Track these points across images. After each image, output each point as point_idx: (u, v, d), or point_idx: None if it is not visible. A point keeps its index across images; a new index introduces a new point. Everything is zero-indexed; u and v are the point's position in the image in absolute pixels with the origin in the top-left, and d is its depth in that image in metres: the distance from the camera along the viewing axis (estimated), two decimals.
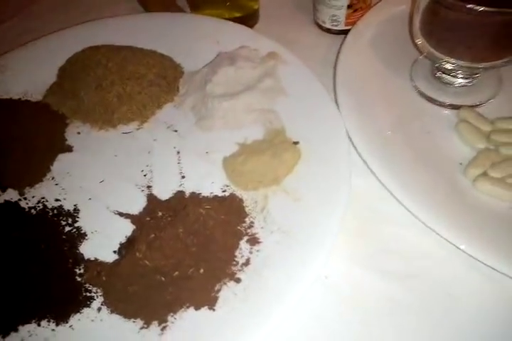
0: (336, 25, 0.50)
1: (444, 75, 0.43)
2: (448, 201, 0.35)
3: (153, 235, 0.34)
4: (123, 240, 0.37)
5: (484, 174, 0.36)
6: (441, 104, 0.42)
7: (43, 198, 0.40)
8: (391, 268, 0.33)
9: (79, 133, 0.45)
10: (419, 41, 0.41)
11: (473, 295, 0.31)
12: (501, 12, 0.32)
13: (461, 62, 0.39)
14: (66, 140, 0.44)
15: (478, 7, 0.32)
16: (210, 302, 0.32)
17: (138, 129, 0.45)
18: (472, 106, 0.41)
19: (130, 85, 0.46)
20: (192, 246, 0.34)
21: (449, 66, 0.40)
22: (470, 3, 0.32)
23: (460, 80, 0.42)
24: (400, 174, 0.36)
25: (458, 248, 0.32)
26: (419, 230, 0.34)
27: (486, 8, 0.32)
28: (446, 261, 0.33)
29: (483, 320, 0.30)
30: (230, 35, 0.49)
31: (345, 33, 0.48)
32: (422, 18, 0.39)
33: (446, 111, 0.41)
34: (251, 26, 0.53)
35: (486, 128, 0.38)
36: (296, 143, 0.40)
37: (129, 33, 0.51)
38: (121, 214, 0.38)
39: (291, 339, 0.31)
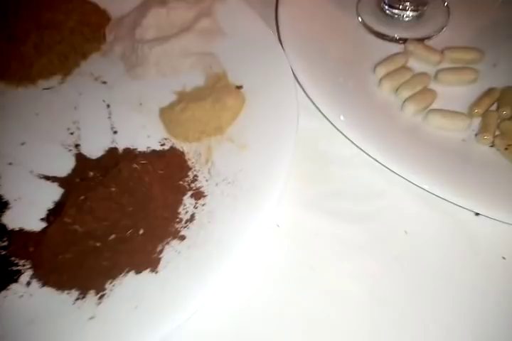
0: None
1: (391, 9, 0.40)
2: (399, 138, 0.32)
3: (82, 197, 0.30)
4: (51, 206, 0.32)
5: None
6: (391, 39, 0.39)
7: None
8: (344, 210, 0.31)
9: None
10: None
11: (429, 232, 0.30)
12: None
13: None
14: None
15: None
16: (152, 264, 0.28)
17: (61, 83, 0.40)
18: (420, 39, 0.38)
19: (48, 34, 0.40)
20: (128, 206, 0.30)
21: None
22: None
23: (408, 12, 0.40)
24: (351, 114, 0.33)
25: (409, 181, 0.30)
26: (370, 170, 0.32)
27: None
28: (399, 199, 0.31)
29: (441, 256, 0.29)
30: None
31: None
32: None
33: (396, 46, 0.39)
34: None
35: (436, 59, 0.36)
36: (239, 87, 0.36)
37: None
38: (47, 178, 0.34)
39: (243, 295, 0.28)
